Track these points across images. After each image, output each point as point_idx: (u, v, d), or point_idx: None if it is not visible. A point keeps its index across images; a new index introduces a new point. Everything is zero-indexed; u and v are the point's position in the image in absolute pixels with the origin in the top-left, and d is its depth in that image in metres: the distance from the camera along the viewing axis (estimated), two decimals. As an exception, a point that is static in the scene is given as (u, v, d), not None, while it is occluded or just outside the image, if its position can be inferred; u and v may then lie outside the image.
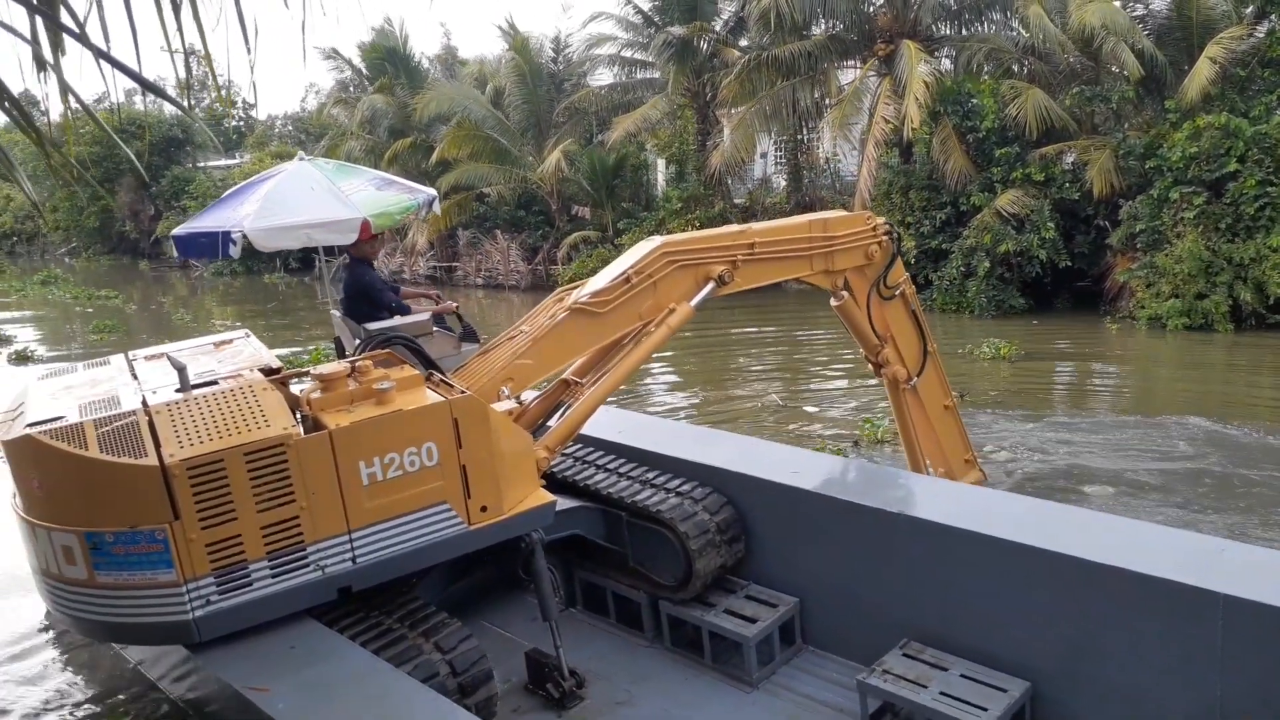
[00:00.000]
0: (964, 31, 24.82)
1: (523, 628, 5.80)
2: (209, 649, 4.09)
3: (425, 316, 6.93)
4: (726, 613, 5.24)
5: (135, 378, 4.88)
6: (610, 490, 5.56)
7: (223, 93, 47.75)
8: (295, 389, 4.92)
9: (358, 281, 7.20)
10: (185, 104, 2.66)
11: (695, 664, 5.37)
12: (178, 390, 4.47)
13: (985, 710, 4.06)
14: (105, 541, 3.99)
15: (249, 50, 2.34)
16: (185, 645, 4.14)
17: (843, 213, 7.15)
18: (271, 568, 4.14)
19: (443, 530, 4.53)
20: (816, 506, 5.13)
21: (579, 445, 6.16)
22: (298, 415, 4.47)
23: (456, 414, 4.51)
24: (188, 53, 2.46)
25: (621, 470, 5.77)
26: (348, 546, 4.30)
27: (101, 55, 2.13)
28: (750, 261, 6.15)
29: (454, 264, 33.22)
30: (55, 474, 4.08)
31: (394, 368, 4.95)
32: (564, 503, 5.23)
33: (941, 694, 4.24)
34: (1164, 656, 3.90)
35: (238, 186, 8.10)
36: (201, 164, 48.66)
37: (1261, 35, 19.80)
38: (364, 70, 39.72)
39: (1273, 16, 19.93)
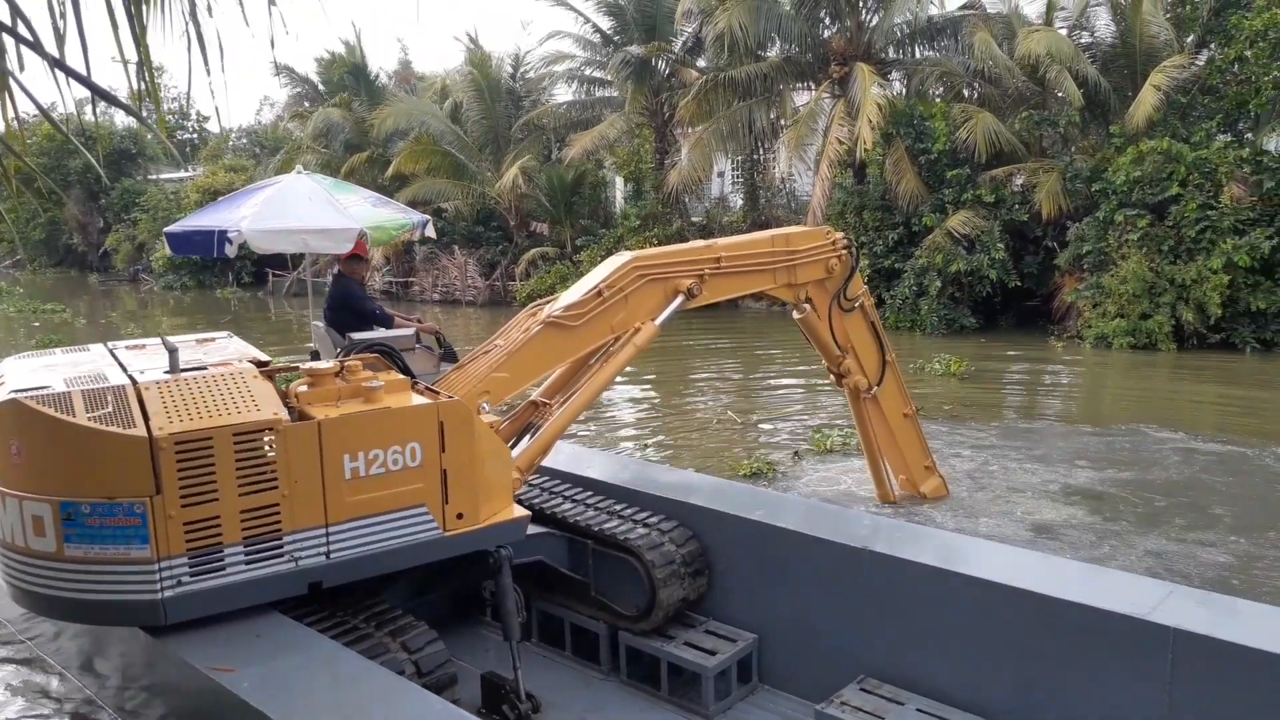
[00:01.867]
0: (916, 55, 25.30)
1: (477, 658, 5.77)
2: (169, 635, 4.02)
3: (409, 331, 6.99)
4: (686, 645, 5.27)
5: (118, 362, 4.82)
6: (577, 519, 5.58)
7: (175, 104, 47.16)
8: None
9: (345, 295, 7.27)
10: (140, 114, 2.66)
11: (651, 696, 5.37)
12: (167, 372, 4.44)
13: None
14: (81, 512, 3.93)
15: (208, 70, 2.35)
16: (147, 629, 4.08)
17: (804, 228, 7.31)
18: (246, 553, 4.11)
19: (418, 533, 4.52)
20: (781, 542, 5.19)
21: (547, 477, 6.19)
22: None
23: (443, 417, 4.53)
24: (136, 63, 2.47)
25: (589, 501, 5.80)
26: (323, 540, 4.27)
27: (56, 64, 2.14)
28: (717, 275, 6.31)
29: (410, 279, 33.06)
30: (37, 440, 4.02)
31: (381, 371, 4.96)
32: (530, 529, 5.23)
33: None
34: (1115, 690, 3.98)
35: (233, 193, 8.15)
36: (153, 176, 47.97)
37: (1202, 64, 20.46)
38: (320, 86, 39.51)
39: (1212, 46, 20.61)
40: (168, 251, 7.81)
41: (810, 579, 5.08)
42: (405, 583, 5.05)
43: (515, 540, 5.00)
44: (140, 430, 3.93)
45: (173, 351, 4.53)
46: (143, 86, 2.56)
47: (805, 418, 13.15)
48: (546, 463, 6.00)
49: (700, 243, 6.55)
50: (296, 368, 4.93)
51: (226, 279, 39.11)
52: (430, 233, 8.36)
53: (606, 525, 5.46)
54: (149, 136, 44.50)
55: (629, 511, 5.61)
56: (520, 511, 5.02)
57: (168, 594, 3.98)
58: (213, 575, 4.06)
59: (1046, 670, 4.18)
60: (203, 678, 3.77)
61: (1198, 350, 18.31)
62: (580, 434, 12.02)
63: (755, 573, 5.33)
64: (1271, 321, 18.21)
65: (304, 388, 4.53)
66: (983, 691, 4.38)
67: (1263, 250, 17.80)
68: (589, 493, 5.90)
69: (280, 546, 4.19)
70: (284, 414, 4.24)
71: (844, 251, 7.14)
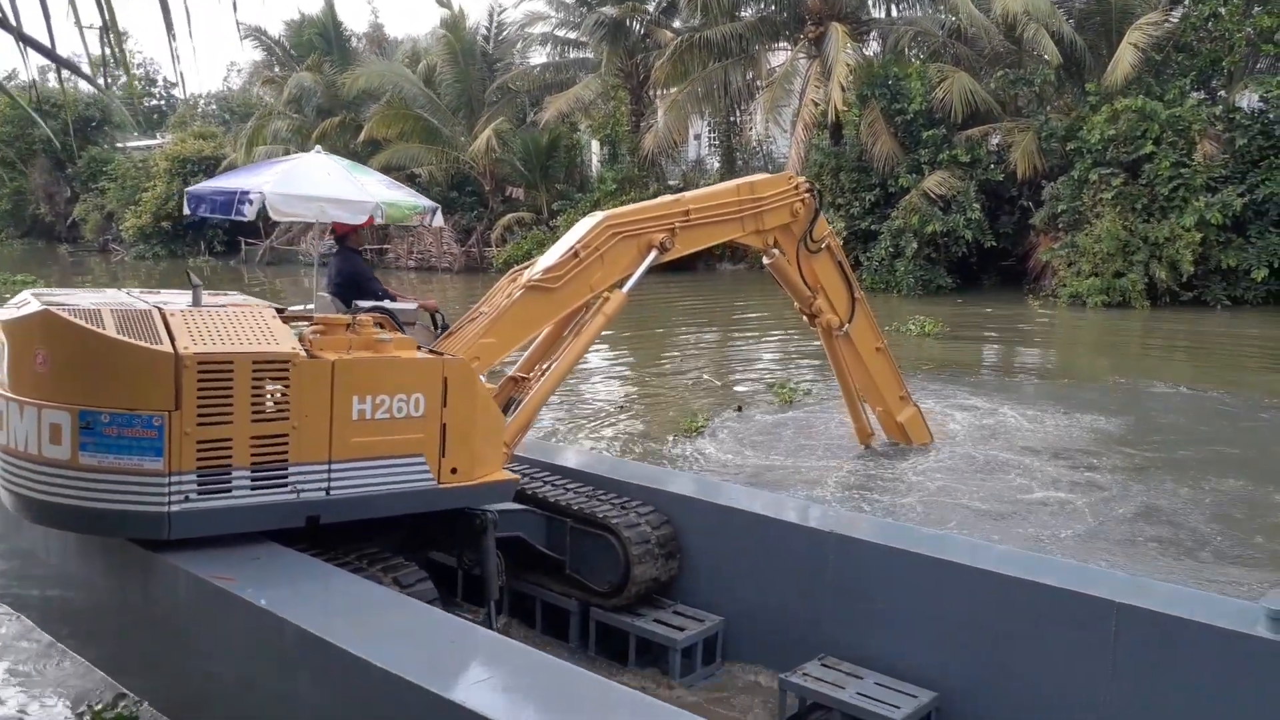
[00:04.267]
0: (892, 14, 25.18)
1: None
2: (167, 552, 4.17)
3: (413, 305, 7.19)
4: (655, 622, 5.49)
5: (139, 299, 4.98)
6: (557, 499, 5.77)
7: (141, 70, 46.33)
8: None
9: (352, 269, 7.50)
10: (101, 83, 2.61)
11: (619, 669, 5.55)
12: (191, 304, 4.63)
13: (897, 708, 4.43)
14: (100, 421, 4.07)
15: (173, 36, 2.30)
16: (147, 544, 4.23)
17: (767, 175, 7.52)
18: (253, 478, 4.28)
19: (414, 481, 4.73)
20: (750, 527, 5.43)
21: (527, 465, 6.34)
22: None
23: (447, 373, 4.77)
24: (101, 28, 2.41)
25: (569, 486, 5.98)
26: (325, 476, 4.46)
27: (18, 35, 2.09)
28: (687, 228, 6.50)
29: (385, 246, 32.81)
30: (65, 350, 4.18)
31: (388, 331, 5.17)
32: (510, 506, 5.39)
33: (858, 694, 4.58)
34: (1061, 661, 4.25)
35: (251, 165, 8.41)
36: (120, 144, 47.19)
37: (1176, 20, 20.49)
38: (290, 49, 38.89)
39: (1186, 2, 20.62)
40: (186, 211, 8.08)
41: (776, 563, 5.31)
42: (390, 538, 5.15)
43: (503, 501, 5.20)
44: (167, 347, 4.09)
45: (196, 286, 4.72)
46: (108, 52, 2.51)
47: (771, 371, 13.22)
48: (527, 454, 6.22)
49: (669, 197, 6.77)
50: (310, 317, 5.10)
51: (199, 248, 38.68)
52: (439, 221, 8.67)
53: (586, 506, 5.62)
54: (115, 104, 43.74)
55: (608, 496, 5.80)
56: (509, 475, 5.22)
57: (175, 508, 4.13)
58: (219, 495, 4.22)
59: (998, 644, 4.45)
60: (202, 587, 3.93)
61: (1170, 308, 18.52)
62: (558, 396, 12.04)
63: (723, 557, 5.57)
64: (1242, 279, 18.43)
65: (316, 335, 4.70)
66: (938, 666, 4.64)
67: (1234, 208, 17.97)
68: (567, 479, 6.06)
69: (285, 476, 4.36)
70: (301, 350, 4.41)
71: (807, 195, 7.40)
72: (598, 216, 6.11)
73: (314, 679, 3.67)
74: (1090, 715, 4.15)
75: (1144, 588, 4.34)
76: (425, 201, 8.51)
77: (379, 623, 3.66)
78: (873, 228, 22.25)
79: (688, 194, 6.77)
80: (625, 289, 6.13)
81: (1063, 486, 8.34)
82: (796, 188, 7.33)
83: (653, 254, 6.23)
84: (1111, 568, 6.19)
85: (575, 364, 6.03)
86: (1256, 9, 19.25)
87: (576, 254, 5.83)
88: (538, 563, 5.87)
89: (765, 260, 7.57)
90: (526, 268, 5.99)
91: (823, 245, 7.65)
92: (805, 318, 8.06)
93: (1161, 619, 3.93)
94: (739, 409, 11.07)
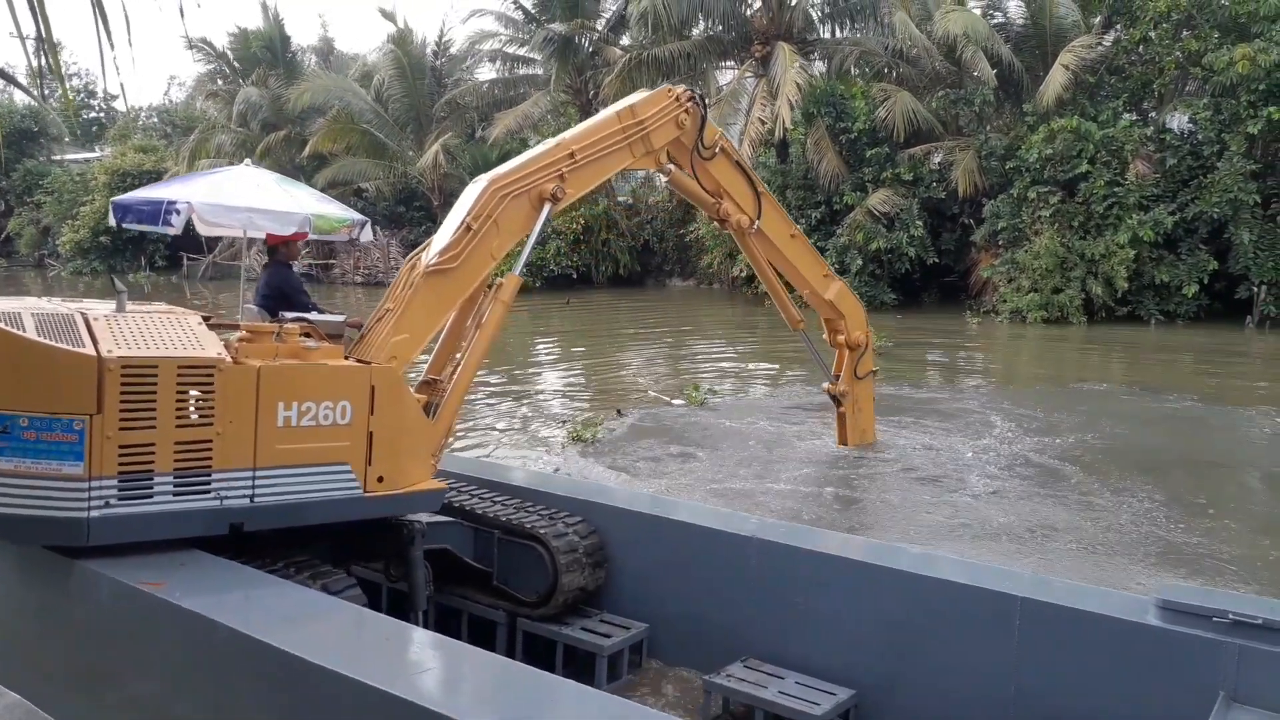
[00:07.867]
0: (837, 35, 25.61)
1: None
2: (89, 559, 4.09)
3: (340, 319, 7.06)
4: (582, 630, 5.54)
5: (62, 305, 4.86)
6: (485, 510, 5.74)
7: (77, 80, 45.41)
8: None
9: (280, 282, 7.32)
10: (38, 93, 2.58)
11: None
12: (116, 310, 4.54)
13: (817, 704, 4.58)
14: (18, 425, 3.99)
15: (113, 45, 2.29)
16: (65, 551, 4.13)
17: (645, 93, 7.40)
18: (175, 484, 4.21)
19: (340, 490, 4.68)
20: (676, 535, 5.52)
21: (454, 479, 6.29)
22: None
23: (375, 381, 4.75)
24: (35, 38, 2.39)
25: (497, 499, 5.96)
26: (249, 483, 4.41)
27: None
28: (576, 169, 6.32)
29: (330, 261, 32.45)
30: None
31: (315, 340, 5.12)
32: (437, 518, 5.35)
33: (780, 692, 4.72)
34: (970, 653, 4.47)
35: (181, 175, 8.27)
36: (58, 157, 46.13)
37: (1109, 44, 21.12)
38: (234, 61, 38.40)
39: (1118, 26, 21.27)
40: (111, 221, 7.87)
41: (701, 570, 5.40)
42: (316, 548, 5.11)
43: (431, 509, 5.18)
44: (90, 350, 4.03)
45: (120, 293, 4.65)
46: (43, 63, 2.49)
47: (691, 376, 13.35)
48: (456, 469, 6.19)
49: (550, 142, 6.52)
50: (237, 325, 5.02)
51: (139, 263, 37.92)
52: (368, 235, 8.55)
53: (514, 517, 5.63)
54: (51, 116, 42.81)
55: (536, 508, 5.80)
56: (437, 484, 5.19)
57: (95, 514, 4.04)
58: (141, 501, 4.15)
59: (912, 641, 4.64)
60: (125, 593, 3.86)
61: (1106, 323, 18.99)
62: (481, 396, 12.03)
63: (649, 566, 5.65)
64: (1174, 294, 18.98)
65: (242, 342, 4.64)
66: (856, 664, 4.81)
67: (1165, 225, 18.53)
68: (495, 493, 6.05)
69: (208, 482, 4.31)
70: (227, 356, 4.36)
71: (690, 104, 7.24)
72: (481, 182, 5.87)
73: (248, 682, 3.63)
74: (997, 701, 4.36)
75: (1045, 584, 4.60)
76: (354, 215, 8.43)
77: (313, 623, 3.64)
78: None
79: (568, 134, 6.54)
80: (517, 270, 5.94)
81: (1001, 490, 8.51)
82: (678, 99, 7.15)
83: (547, 207, 6.02)
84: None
85: (484, 356, 5.86)
86: (1185, 33, 19.90)
87: (469, 227, 5.62)
88: (464, 575, 5.85)
89: (663, 178, 7.55)
90: (421, 251, 5.75)
91: (716, 150, 7.58)
92: (717, 224, 8.17)
93: (1061, 611, 4.17)
94: (618, 413, 11.37)
